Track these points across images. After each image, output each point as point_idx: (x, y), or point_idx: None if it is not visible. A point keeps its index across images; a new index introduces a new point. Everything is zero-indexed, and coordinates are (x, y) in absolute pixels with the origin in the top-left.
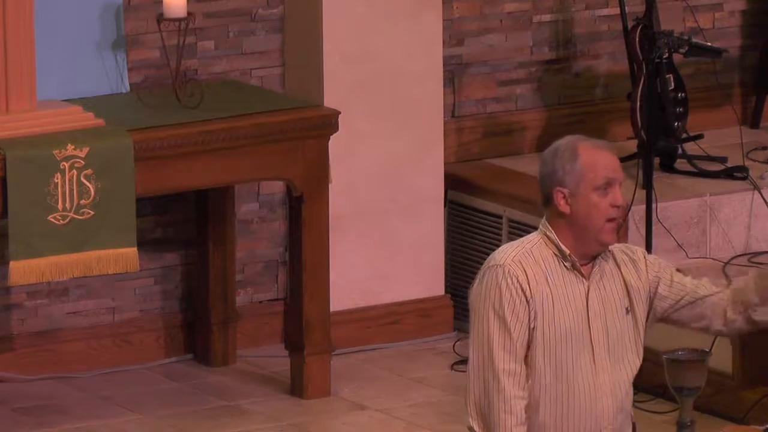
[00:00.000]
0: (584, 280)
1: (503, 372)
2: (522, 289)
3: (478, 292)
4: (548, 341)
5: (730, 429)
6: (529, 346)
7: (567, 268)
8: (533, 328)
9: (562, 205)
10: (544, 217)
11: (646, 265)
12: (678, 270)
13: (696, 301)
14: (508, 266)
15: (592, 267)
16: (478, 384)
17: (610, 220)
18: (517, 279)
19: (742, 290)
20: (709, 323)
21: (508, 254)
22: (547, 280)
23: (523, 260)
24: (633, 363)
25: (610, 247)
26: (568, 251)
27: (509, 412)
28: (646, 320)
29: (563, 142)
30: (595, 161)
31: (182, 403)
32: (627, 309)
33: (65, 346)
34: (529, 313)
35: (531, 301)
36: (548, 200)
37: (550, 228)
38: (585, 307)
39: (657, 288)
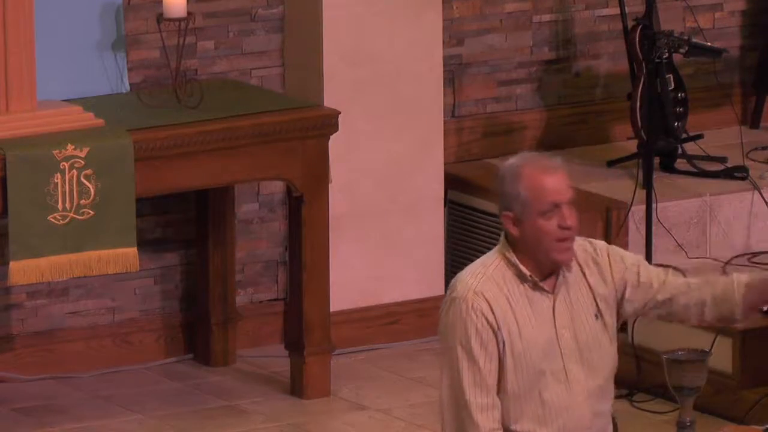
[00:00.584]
0: (549, 294)
1: (476, 407)
2: (488, 321)
3: (444, 325)
4: (519, 363)
5: (730, 429)
6: (503, 375)
7: (530, 288)
8: (502, 357)
9: (511, 228)
10: (503, 235)
11: (611, 267)
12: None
13: (665, 301)
14: (471, 299)
15: (556, 279)
16: (452, 421)
17: (562, 239)
18: (482, 311)
19: (725, 300)
20: (682, 320)
21: (470, 285)
22: (509, 303)
23: (485, 288)
24: (608, 366)
25: (575, 252)
26: (528, 272)
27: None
28: (617, 321)
29: (510, 163)
30: (538, 186)
31: (182, 403)
32: (596, 315)
33: (65, 346)
34: (498, 343)
35: (498, 331)
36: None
37: (509, 248)
38: (552, 321)
39: (624, 292)
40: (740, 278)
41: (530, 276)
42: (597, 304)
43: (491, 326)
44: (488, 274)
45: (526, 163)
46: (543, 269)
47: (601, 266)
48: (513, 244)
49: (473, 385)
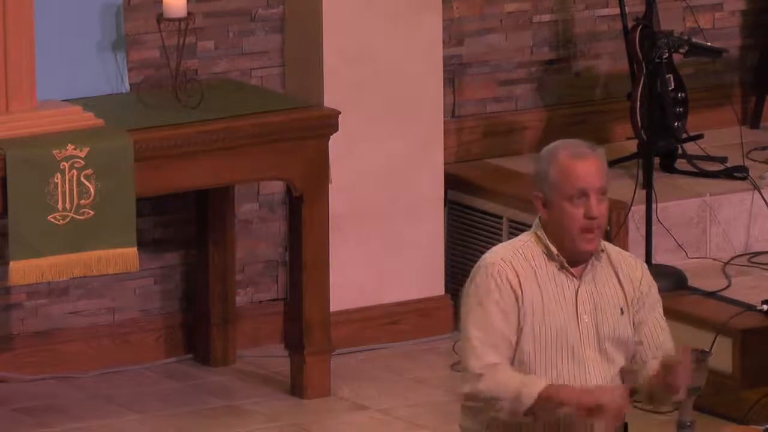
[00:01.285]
0: (575, 279)
1: (477, 351)
2: (512, 288)
3: (467, 292)
4: (539, 339)
5: (730, 429)
6: (520, 347)
7: (556, 268)
8: (522, 327)
9: (540, 209)
10: (538, 218)
11: (642, 278)
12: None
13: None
14: (499, 265)
15: (585, 267)
16: (469, 371)
17: (586, 230)
18: (507, 277)
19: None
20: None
21: (499, 254)
22: (536, 278)
23: (514, 259)
24: (625, 360)
25: (608, 250)
26: (555, 251)
27: (481, 357)
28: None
29: (551, 145)
30: (568, 170)
31: (182, 403)
32: (622, 309)
33: (65, 346)
34: (519, 311)
35: (520, 300)
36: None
37: (541, 227)
38: (574, 306)
39: (640, 307)
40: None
41: (558, 255)
42: (626, 300)
43: (515, 293)
44: (517, 248)
45: (563, 147)
46: (570, 255)
47: (635, 276)
48: (544, 225)
49: (480, 343)
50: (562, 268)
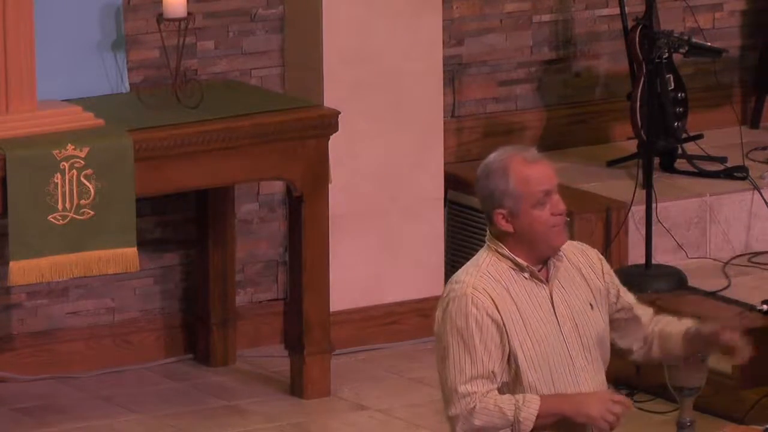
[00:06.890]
0: (544, 285)
1: (466, 393)
2: (491, 318)
3: (443, 324)
4: (529, 356)
5: (730, 429)
6: (515, 368)
7: (526, 278)
8: (511, 349)
9: (504, 225)
10: (489, 233)
11: (602, 265)
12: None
13: (630, 320)
14: (471, 294)
15: (548, 270)
16: (457, 410)
17: (555, 225)
18: (484, 307)
19: (670, 338)
20: (630, 347)
21: (468, 282)
22: (510, 296)
23: (484, 284)
24: (606, 359)
25: (562, 247)
26: (524, 263)
27: (466, 394)
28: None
29: (493, 159)
30: (527, 177)
31: (182, 403)
32: (591, 305)
33: (65, 346)
34: (502, 339)
35: (501, 326)
36: (490, 220)
37: (500, 243)
38: (552, 311)
39: (609, 291)
40: (689, 323)
41: (527, 266)
42: (593, 294)
43: (495, 322)
44: (483, 270)
45: (509, 157)
46: (535, 259)
47: (593, 261)
48: (502, 238)
49: (468, 382)
50: (532, 276)
